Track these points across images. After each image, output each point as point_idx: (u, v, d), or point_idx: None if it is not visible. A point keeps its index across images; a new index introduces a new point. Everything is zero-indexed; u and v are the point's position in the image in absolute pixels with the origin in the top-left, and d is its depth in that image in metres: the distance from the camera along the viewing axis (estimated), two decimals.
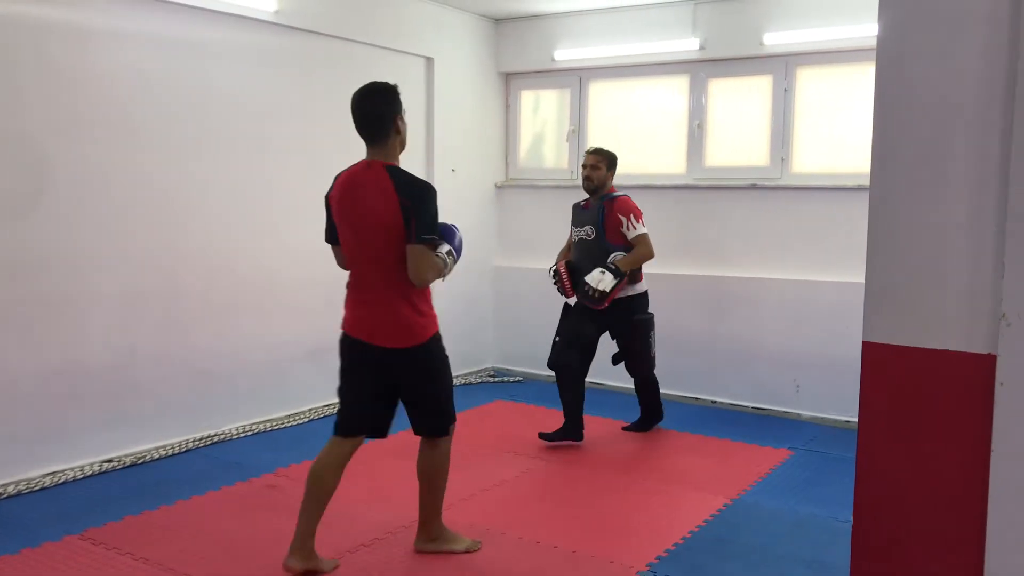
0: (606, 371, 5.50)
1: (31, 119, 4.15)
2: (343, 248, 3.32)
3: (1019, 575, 1.92)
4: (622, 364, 5.17)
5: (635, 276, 4.92)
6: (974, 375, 1.99)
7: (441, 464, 3.46)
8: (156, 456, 4.64)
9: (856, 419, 5.48)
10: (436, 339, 3.37)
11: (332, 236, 3.37)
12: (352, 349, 3.32)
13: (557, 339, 5.02)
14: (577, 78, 6.71)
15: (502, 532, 3.75)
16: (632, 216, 4.88)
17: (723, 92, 6.14)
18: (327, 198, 3.34)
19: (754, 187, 5.96)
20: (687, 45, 6.07)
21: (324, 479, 3.25)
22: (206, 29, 4.87)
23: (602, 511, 4.07)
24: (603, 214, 4.90)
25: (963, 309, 2.02)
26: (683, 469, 4.68)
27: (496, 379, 6.78)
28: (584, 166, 5.02)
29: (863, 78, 5.46)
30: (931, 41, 2.01)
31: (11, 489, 4.06)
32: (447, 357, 3.45)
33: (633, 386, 5.31)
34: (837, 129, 5.74)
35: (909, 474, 2.12)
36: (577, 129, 6.71)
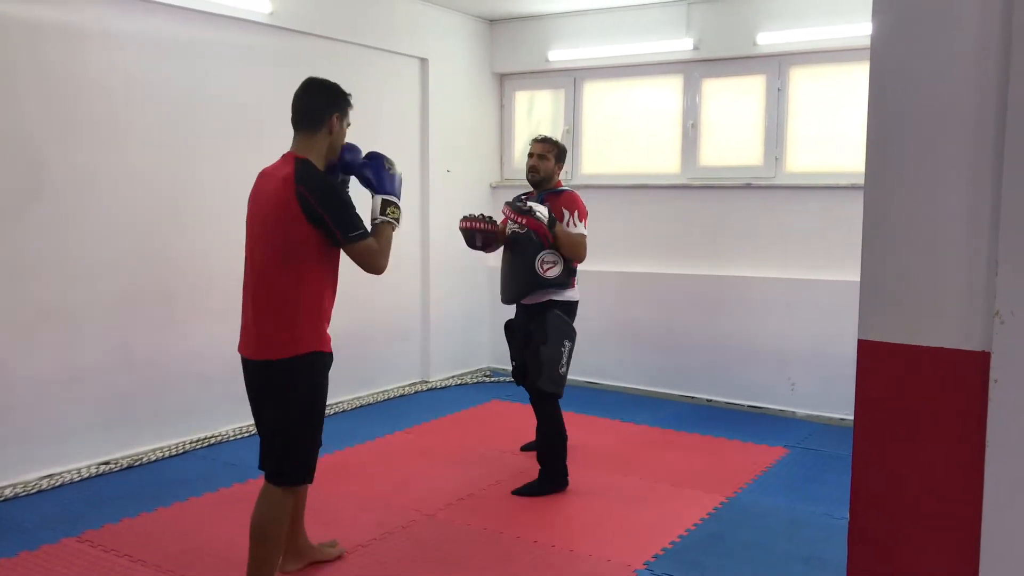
0: (603, 371, 5.53)
1: (27, 121, 4.14)
2: (246, 246, 2.97)
3: (1015, 571, 1.94)
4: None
5: (568, 281, 4.23)
6: (969, 372, 2.01)
7: (268, 519, 2.87)
8: (153, 458, 4.64)
9: (851, 417, 5.47)
10: (305, 361, 2.84)
11: None
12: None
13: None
14: (571, 78, 6.72)
15: (499, 532, 3.76)
16: (576, 213, 4.24)
17: (717, 92, 6.16)
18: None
19: (748, 186, 5.98)
20: (681, 45, 6.09)
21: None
22: (201, 31, 4.87)
23: (599, 510, 4.08)
24: (541, 237, 4.14)
25: (958, 307, 2.04)
26: (679, 468, 4.69)
27: (492, 379, 6.79)
28: (530, 155, 4.40)
29: (856, 77, 5.50)
30: (925, 40, 2.02)
31: (8, 492, 4.06)
32: (315, 391, 2.90)
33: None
34: (831, 128, 5.76)
35: (905, 471, 2.14)
36: (572, 129, 6.72)
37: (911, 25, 2.05)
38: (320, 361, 2.90)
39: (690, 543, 3.70)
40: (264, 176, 2.96)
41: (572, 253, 4.19)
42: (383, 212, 2.96)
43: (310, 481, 2.98)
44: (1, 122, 4.05)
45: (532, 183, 4.44)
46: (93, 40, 4.38)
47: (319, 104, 2.96)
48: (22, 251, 4.14)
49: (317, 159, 2.92)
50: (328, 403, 5.52)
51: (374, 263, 2.90)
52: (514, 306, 4.44)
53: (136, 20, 4.56)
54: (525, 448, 4.87)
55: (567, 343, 4.21)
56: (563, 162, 4.48)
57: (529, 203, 4.14)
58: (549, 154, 4.38)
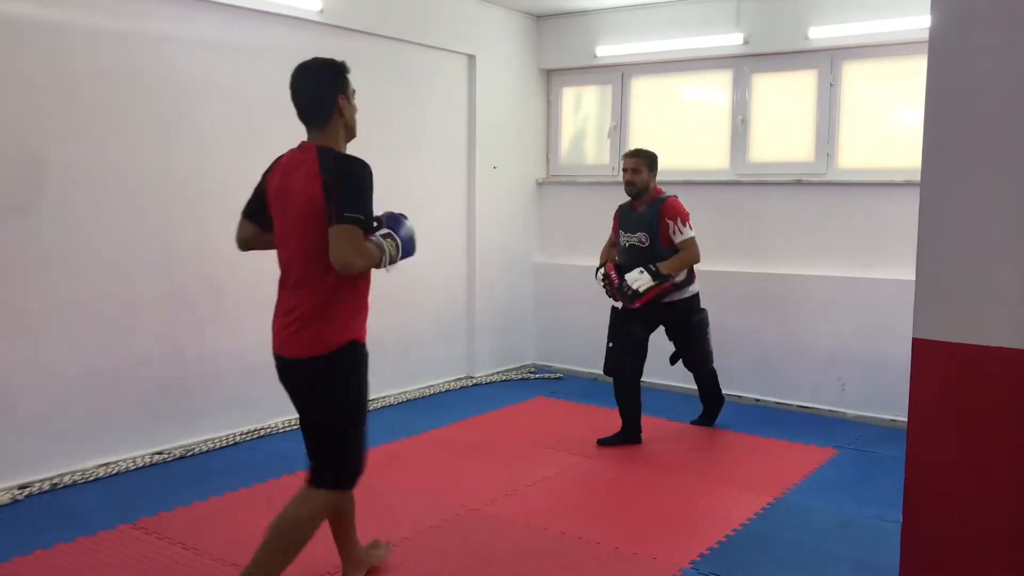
0: (659, 371, 5.50)
1: (87, 119, 4.25)
2: (275, 242, 2.87)
3: None
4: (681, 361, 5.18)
5: (688, 278, 4.88)
6: None
7: (293, 516, 2.76)
8: (204, 449, 4.74)
9: (902, 418, 5.37)
10: (342, 355, 2.75)
11: (250, 208, 2.97)
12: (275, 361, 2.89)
13: (610, 345, 4.93)
14: (619, 74, 6.69)
15: (544, 528, 3.76)
16: (679, 220, 4.77)
17: (767, 87, 6.07)
18: (265, 174, 2.93)
19: (799, 183, 5.89)
20: (730, 40, 6.02)
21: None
22: (250, 29, 4.95)
23: (645, 508, 4.06)
24: (656, 220, 4.78)
25: (1015, 305, 1.99)
26: (727, 467, 4.65)
27: (537, 376, 6.80)
28: (625, 171, 4.90)
29: (912, 72, 5.37)
30: (986, 35, 1.98)
31: (67, 479, 4.18)
32: (355, 381, 2.79)
33: (694, 382, 5.39)
34: (884, 124, 5.65)
35: (960, 474, 2.09)
36: (619, 125, 6.69)
37: (971, 17, 2.00)
38: (358, 353, 2.79)
39: (737, 543, 3.67)
40: (285, 167, 2.81)
41: (688, 264, 4.83)
42: (384, 238, 2.77)
43: (351, 485, 2.85)
44: (62, 119, 4.16)
45: (630, 195, 4.90)
46: (143, 39, 4.46)
47: (317, 89, 2.78)
48: (78, 247, 4.26)
49: (339, 144, 2.82)
50: (374, 397, 5.67)
51: (348, 253, 2.59)
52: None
53: (185, 19, 4.64)
54: (602, 442, 4.96)
55: (708, 330, 5.06)
56: (656, 170, 4.93)
57: (628, 286, 4.66)
58: (642, 167, 4.83)
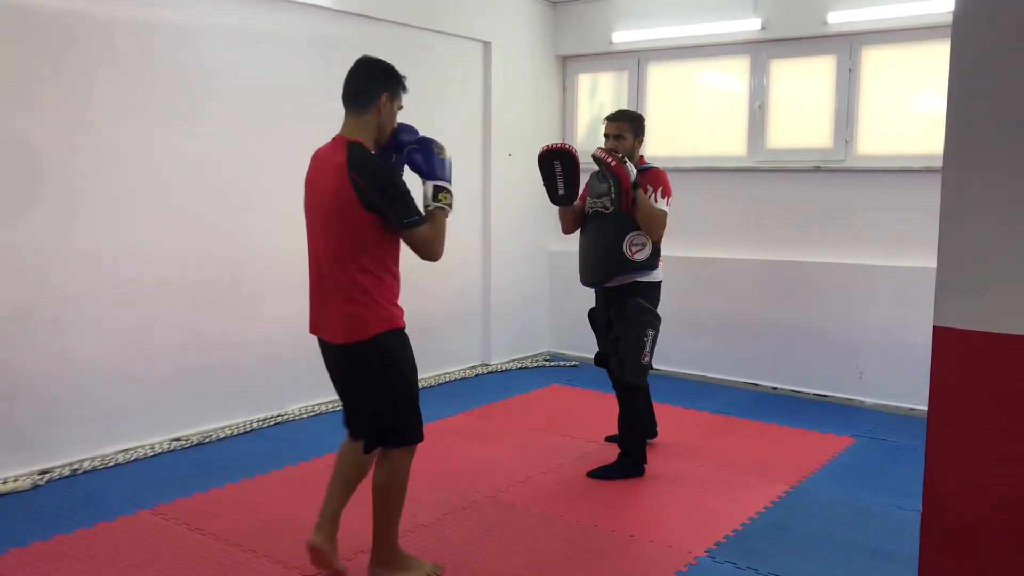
0: (667, 357, 5.48)
1: (102, 110, 4.26)
2: (307, 232, 2.98)
3: None
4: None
5: (652, 260, 4.08)
6: None
7: (387, 483, 3.00)
8: (222, 435, 4.77)
9: (921, 407, 5.32)
10: (385, 338, 2.88)
11: None
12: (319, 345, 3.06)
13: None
14: (635, 60, 6.64)
15: (560, 515, 3.77)
16: (661, 190, 4.06)
17: (785, 73, 6.01)
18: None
19: (817, 169, 5.84)
20: (748, 25, 5.96)
21: (339, 464, 3.13)
22: (266, 17, 4.95)
23: (660, 496, 4.05)
24: (621, 189, 3.98)
25: None
26: (743, 455, 4.63)
27: (552, 363, 6.80)
28: (606, 136, 4.20)
29: (933, 57, 5.31)
30: (1011, 18, 1.94)
31: (87, 465, 4.22)
32: (401, 359, 2.94)
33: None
34: (903, 110, 5.59)
35: (981, 463, 2.07)
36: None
37: (996, 1, 1.97)
38: (396, 337, 2.91)
39: (753, 531, 3.66)
40: (318, 160, 2.95)
41: (649, 224, 4.00)
42: (435, 198, 2.91)
43: (421, 439, 3.03)
44: (75, 113, 4.18)
45: None
46: (164, 30, 4.47)
47: (368, 83, 2.92)
48: (98, 237, 4.28)
49: (368, 140, 2.89)
50: None
51: (429, 250, 2.87)
52: (593, 291, 4.33)
53: (204, 8, 4.65)
54: (610, 439, 4.74)
55: (650, 332, 4.09)
56: (642, 135, 4.26)
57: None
58: (626, 132, 4.18)
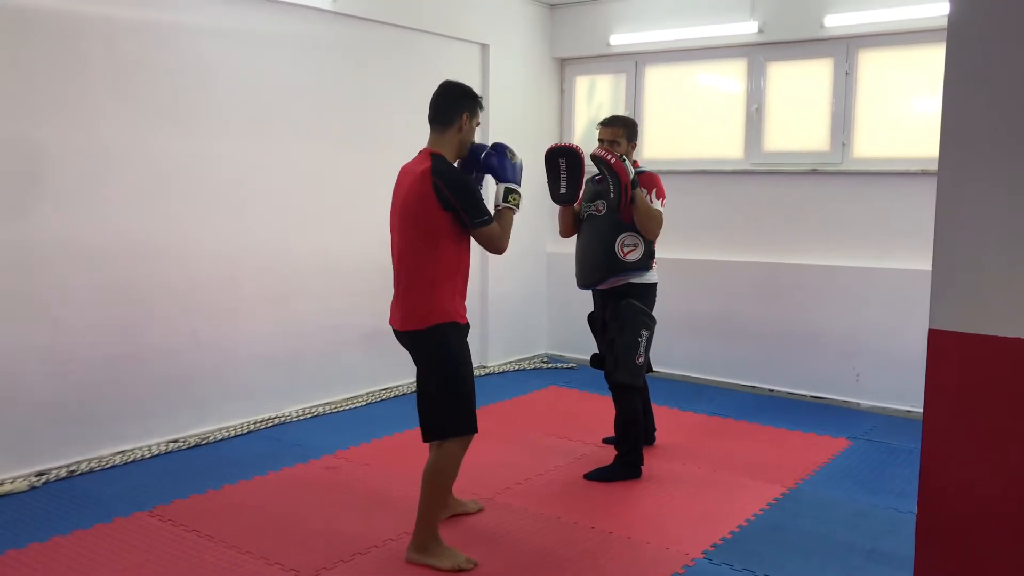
0: (664, 359, 5.49)
1: (99, 109, 4.27)
2: (391, 230, 3.33)
3: None
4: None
5: (646, 261, 4.11)
6: None
7: (437, 469, 3.26)
8: (219, 437, 4.77)
9: (917, 409, 5.34)
10: (442, 330, 3.19)
11: None
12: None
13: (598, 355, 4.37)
14: (633, 62, 6.66)
15: (557, 517, 3.77)
16: (655, 192, 4.08)
17: (782, 75, 6.03)
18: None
19: (814, 172, 5.85)
20: (745, 28, 5.97)
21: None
22: (265, 20, 4.95)
23: (657, 498, 4.06)
24: (621, 186, 3.97)
25: None
26: (740, 457, 4.64)
27: (549, 365, 6.80)
28: (600, 141, 4.20)
29: (929, 60, 5.33)
30: (1006, 22, 1.95)
31: (84, 466, 4.22)
32: (455, 352, 3.22)
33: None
34: (900, 113, 5.60)
35: (977, 466, 2.08)
36: (633, 114, 6.65)
37: (992, 3, 1.98)
38: (455, 331, 3.22)
39: (750, 533, 3.66)
40: (405, 172, 3.29)
41: (646, 223, 4.03)
42: (505, 199, 3.29)
43: (474, 431, 3.27)
44: (72, 113, 4.18)
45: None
46: (162, 31, 4.47)
47: (451, 104, 3.28)
48: (95, 237, 4.28)
49: (449, 153, 3.27)
50: (386, 386, 5.70)
51: (496, 245, 3.25)
52: (591, 293, 4.37)
53: (203, 10, 4.65)
54: (608, 441, 4.71)
55: (644, 332, 4.12)
56: (635, 140, 4.29)
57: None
58: (620, 137, 4.19)
